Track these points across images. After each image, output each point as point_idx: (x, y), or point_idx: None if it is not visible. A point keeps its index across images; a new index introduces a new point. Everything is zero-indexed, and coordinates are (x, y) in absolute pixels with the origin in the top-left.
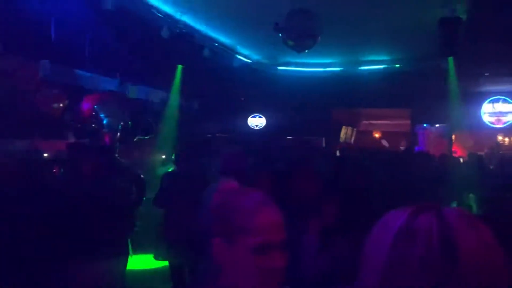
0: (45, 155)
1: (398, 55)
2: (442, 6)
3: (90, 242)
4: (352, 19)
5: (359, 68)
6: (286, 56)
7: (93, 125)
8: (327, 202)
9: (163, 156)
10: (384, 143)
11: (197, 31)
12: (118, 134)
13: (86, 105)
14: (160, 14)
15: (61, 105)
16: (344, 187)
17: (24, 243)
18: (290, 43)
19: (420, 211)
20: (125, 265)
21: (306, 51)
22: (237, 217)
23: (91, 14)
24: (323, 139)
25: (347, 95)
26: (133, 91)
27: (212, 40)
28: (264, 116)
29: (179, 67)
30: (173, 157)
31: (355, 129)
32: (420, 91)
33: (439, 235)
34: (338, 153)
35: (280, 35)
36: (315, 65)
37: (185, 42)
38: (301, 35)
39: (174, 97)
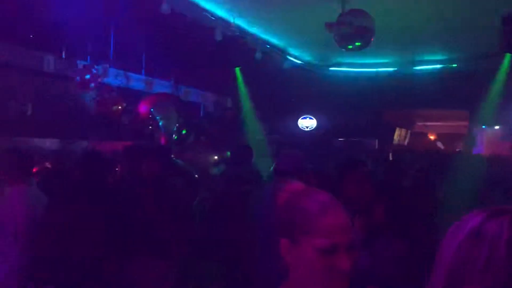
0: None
1: (456, 54)
2: (506, 2)
3: (148, 242)
4: (407, 17)
5: (414, 68)
6: (337, 56)
7: (149, 127)
8: (376, 202)
9: (215, 157)
10: (440, 145)
11: (249, 34)
12: (173, 135)
13: (143, 107)
14: (214, 17)
15: (119, 107)
16: (395, 188)
17: (90, 241)
18: (343, 43)
19: (494, 215)
20: (180, 265)
21: (359, 51)
22: (304, 218)
23: (148, 19)
24: (376, 140)
25: (401, 96)
26: (187, 94)
27: (264, 42)
28: (315, 118)
29: (237, 69)
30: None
31: (409, 130)
32: (479, 92)
33: (508, 239)
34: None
35: (333, 35)
36: (368, 65)
37: (238, 45)
38: (354, 35)
39: (244, 100)
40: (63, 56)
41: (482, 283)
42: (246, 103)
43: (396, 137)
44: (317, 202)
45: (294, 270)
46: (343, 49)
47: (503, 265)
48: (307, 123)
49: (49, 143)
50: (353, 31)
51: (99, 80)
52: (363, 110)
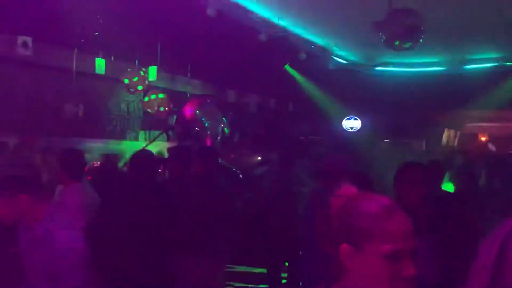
0: None
1: (510, 52)
2: None
3: (196, 241)
4: (457, 14)
5: (465, 67)
6: (384, 56)
7: (196, 128)
8: (421, 204)
9: (259, 158)
10: (491, 147)
11: (294, 34)
12: (219, 136)
13: (189, 109)
14: (258, 19)
15: (166, 108)
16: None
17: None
18: (390, 42)
19: None
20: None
21: (407, 50)
22: (368, 223)
23: (195, 21)
24: (423, 142)
25: (450, 96)
26: (231, 95)
27: (309, 42)
28: (359, 118)
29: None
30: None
31: (458, 131)
32: None
33: None
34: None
35: (380, 34)
36: (416, 64)
37: (282, 45)
38: (403, 34)
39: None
40: (113, 59)
41: None
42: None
43: (444, 138)
44: (381, 206)
45: (354, 275)
46: (391, 49)
47: None
48: (351, 124)
49: (98, 143)
50: (402, 30)
51: (147, 82)
52: (410, 111)
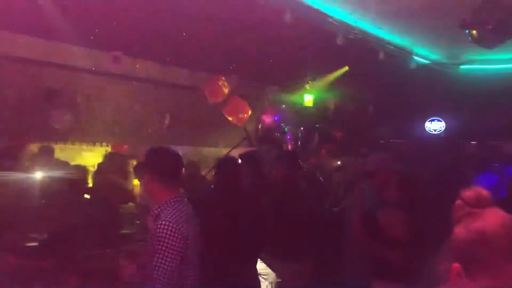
0: None
1: None
2: None
3: (277, 244)
4: None
5: None
6: (469, 53)
7: (276, 134)
8: None
9: (339, 162)
10: None
11: (372, 35)
12: (299, 141)
13: (269, 115)
14: (336, 22)
15: (244, 115)
16: None
17: (226, 242)
18: (479, 40)
19: None
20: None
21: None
22: (488, 257)
23: (272, 28)
24: None
25: None
26: (309, 100)
27: (387, 42)
28: (443, 120)
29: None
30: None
31: None
32: None
33: None
34: None
35: (467, 32)
36: (505, 61)
37: (361, 47)
38: (492, 30)
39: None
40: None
41: None
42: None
43: None
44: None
45: None
46: (480, 46)
47: None
48: (435, 125)
49: (182, 150)
50: (491, 26)
51: (227, 90)
52: (499, 111)
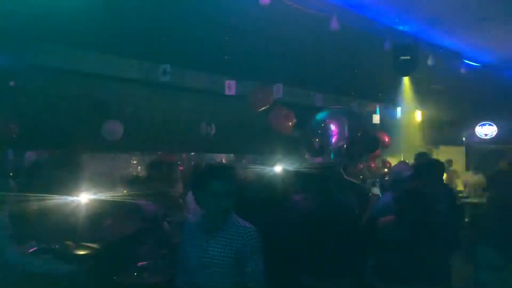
0: None
1: None
2: None
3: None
4: None
5: None
6: None
7: (320, 142)
8: None
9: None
10: None
11: (420, 40)
12: (345, 150)
13: (316, 122)
14: (382, 27)
15: (290, 123)
16: None
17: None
18: None
19: None
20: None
21: None
22: None
23: (318, 35)
24: None
25: None
26: (355, 107)
27: (436, 46)
28: (495, 124)
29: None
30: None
31: None
32: None
33: None
34: None
35: None
36: None
37: (409, 52)
38: None
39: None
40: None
41: None
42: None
43: None
44: None
45: None
46: None
47: None
48: (486, 130)
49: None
50: None
51: (272, 98)
52: None
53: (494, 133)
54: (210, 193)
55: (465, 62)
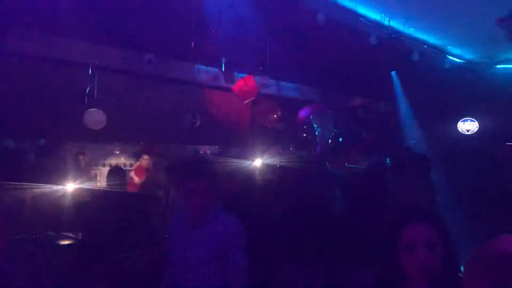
0: None
1: None
2: None
3: (297, 249)
4: None
5: None
6: (506, 52)
7: (306, 135)
8: None
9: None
10: None
11: (405, 35)
12: (329, 143)
13: (301, 116)
14: (369, 22)
15: (274, 116)
16: None
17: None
18: None
19: None
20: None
21: None
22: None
23: (304, 28)
24: None
25: None
26: (339, 99)
27: (421, 42)
28: (476, 120)
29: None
30: None
31: None
32: None
33: None
34: None
35: (505, 31)
36: None
37: (394, 47)
38: None
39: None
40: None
41: None
42: (402, 107)
43: None
44: None
45: None
46: None
47: None
48: (467, 126)
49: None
50: None
51: (257, 90)
52: None
53: (476, 129)
54: (185, 191)
55: (449, 58)
